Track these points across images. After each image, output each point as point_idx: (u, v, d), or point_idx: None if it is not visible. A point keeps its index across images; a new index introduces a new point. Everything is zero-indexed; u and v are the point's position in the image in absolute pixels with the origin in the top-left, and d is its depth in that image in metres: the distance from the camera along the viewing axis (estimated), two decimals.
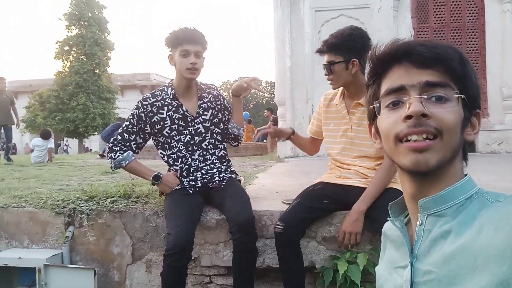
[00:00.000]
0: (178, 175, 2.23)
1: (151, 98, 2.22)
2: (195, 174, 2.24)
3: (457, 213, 0.70)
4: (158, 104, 2.21)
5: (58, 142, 22.45)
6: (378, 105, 0.78)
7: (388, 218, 0.84)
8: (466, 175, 0.75)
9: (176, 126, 2.22)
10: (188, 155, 2.24)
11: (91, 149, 25.34)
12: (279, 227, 1.93)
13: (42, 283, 2.25)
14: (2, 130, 7.55)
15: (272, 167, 4.90)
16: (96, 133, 22.33)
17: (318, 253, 2.14)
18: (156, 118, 2.20)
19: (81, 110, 21.85)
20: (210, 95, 2.32)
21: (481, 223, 0.65)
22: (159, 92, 2.25)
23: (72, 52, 22.93)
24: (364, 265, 1.95)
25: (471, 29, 6.15)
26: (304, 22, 6.28)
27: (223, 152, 2.35)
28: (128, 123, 2.22)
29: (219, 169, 2.29)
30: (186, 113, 2.23)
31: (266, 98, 40.80)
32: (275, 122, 9.78)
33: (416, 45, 0.74)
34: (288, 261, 1.97)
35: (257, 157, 7.09)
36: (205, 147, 2.27)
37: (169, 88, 2.25)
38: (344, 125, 2.11)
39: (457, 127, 0.72)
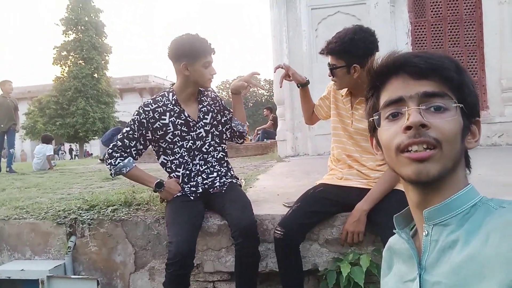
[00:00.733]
0: (180, 181, 2.22)
1: (152, 104, 2.20)
2: (196, 178, 2.23)
3: (463, 221, 0.70)
4: (160, 110, 2.19)
5: (56, 146, 22.47)
6: (377, 117, 0.79)
7: (394, 230, 0.84)
8: (469, 184, 0.75)
9: (179, 132, 2.21)
10: (190, 160, 2.23)
11: (91, 154, 25.37)
12: (279, 232, 1.92)
13: None
14: (6, 137, 7.44)
15: (273, 168, 4.89)
16: (96, 137, 22.39)
17: (321, 256, 2.13)
18: (159, 124, 2.18)
19: (80, 114, 21.90)
20: (209, 98, 2.32)
21: (487, 231, 0.65)
22: (160, 97, 2.23)
23: (70, 57, 23.01)
24: (367, 267, 1.95)
25: (469, 22, 6.12)
26: (301, 20, 6.26)
27: (222, 154, 2.34)
28: (128, 128, 2.19)
29: (219, 173, 2.28)
30: (188, 118, 2.22)
31: (265, 97, 40.78)
32: (275, 121, 9.77)
33: (411, 57, 0.75)
34: (287, 266, 1.97)
35: (258, 157, 7.08)
36: (205, 150, 2.27)
37: (170, 94, 2.23)
38: (346, 118, 2.10)
39: (456, 136, 0.72)
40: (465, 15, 6.12)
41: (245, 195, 2.23)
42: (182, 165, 2.22)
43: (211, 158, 2.28)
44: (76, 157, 25.14)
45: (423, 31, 6.27)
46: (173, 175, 2.25)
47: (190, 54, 2.11)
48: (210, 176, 2.26)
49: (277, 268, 2.08)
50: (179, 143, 2.21)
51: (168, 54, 2.18)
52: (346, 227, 1.99)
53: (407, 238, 0.79)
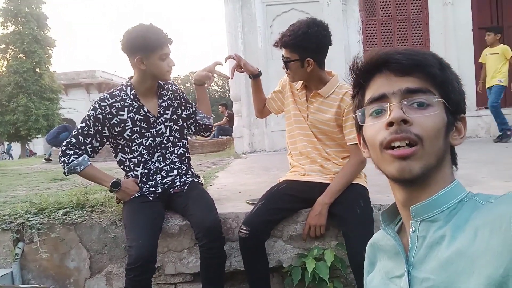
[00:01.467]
0: (138, 181, 2.12)
1: (109, 99, 2.07)
2: (154, 177, 2.13)
3: (450, 217, 0.70)
4: (118, 105, 2.07)
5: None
6: (360, 113, 0.79)
7: (380, 227, 0.84)
8: (455, 180, 0.75)
9: (138, 128, 2.10)
10: (149, 159, 2.13)
11: (35, 153, 24.00)
12: (244, 231, 1.89)
13: None
14: None
15: (231, 164, 4.84)
16: (40, 135, 21.19)
17: (285, 252, 2.12)
18: (116, 120, 2.06)
19: (22, 111, 20.59)
20: (169, 91, 2.22)
21: (476, 226, 0.65)
22: (118, 92, 2.10)
23: (9, 51, 21.57)
24: (331, 261, 1.96)
25: (416, 22, 6.41)
26: (256, 16, 6.26)
27: (182, 150, 2.24)
28: (83, 125, 2.05)
29: (180, 172, 2.20)
30: (148, 114, 2.12)
31: (219, 93, 40.60)
32: (230, 118, 9.72)
33: (394, 54, 0.75)
34: (254, 264, 1.95)
35: (214, 154, 7.01)
36: (163, 146, 2.17)
37: (128, 88, 2.10)
38: (302, 112, 2.09)
39: (439, 132, 0.72)
40: (413, 15, 6.40)
41: (207, 194, 2.16)
42: (141, 164, 2.12)
43: (170, 154, 2.18)
44: (11, 157, 23.66)
45: (373, 30, 6.48)
46: (131, 174, 2.14)
47: (145, 47, 1.99)
48: (170, 174, 2.17)
49: (241, 267, 2.05)
50: (138, 140, 2.10)
51: (122, 48, 2.04)
52: (308, 221, 2.00)
53: (393, 235, 0.79)
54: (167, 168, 2.17)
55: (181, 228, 2.15)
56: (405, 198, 0.76)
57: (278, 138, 6.07)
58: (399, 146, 0.70)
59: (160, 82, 2.19)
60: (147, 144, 2.12)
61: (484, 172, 2.97)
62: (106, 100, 2.06)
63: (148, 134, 2.12)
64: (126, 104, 2.08)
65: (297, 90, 2.12)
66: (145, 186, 2.12)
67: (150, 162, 2.13)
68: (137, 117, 2.09)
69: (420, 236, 0.73)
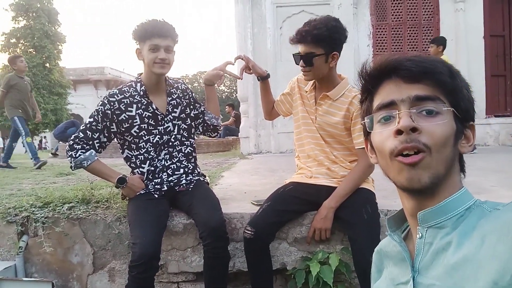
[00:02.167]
0: (144, 178, 2.11)
1: (118, 95, 2.06)
2: (160, 175, 2.12)
3: (457, 224, 0.70)
4: (127, 101, 2.06)
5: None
6: (368, 120, 0.79)
7: (386, 233, 0.83)
8: (463, 187, 0.75)
9: (145, 125, 2.09)
10: (155, 156, 2.12)
11: (45, 147, 24.15)
12: (249, 232, 1.87)
13: None
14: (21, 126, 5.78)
15: (236, 165, 4.83)
16: (47, 130, 21.31)
17: (290, 255, 2.11)
18: (124, 116, 2.05)
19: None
20: (179, 90, 2.21)
21: (483, 233, 0.64)
22: (127, 88, 2.10)
23: (20, 45, 21.73)
24: (336, 266, 1.94)
25: (427, 27, 6.36)
26: (266, 17, 6.24)
27: (190, 149, 2.23)
28: (91, 119, 2.05)
29: (186, 170, 2.19)
30: (156, 111, 2.10)
31: (226, 93, 40.63)
32: (237, 118, 9.71)
33: (404, 60, 0.74)
34: (258, 266, 1.93)
35: (220, 154, 7.01)
36: (171, 144, 2.16)
37: (138, 84, 2.10)
38: (311, 114, 2.07)
39: (447, 140, 0.71)
40: (424, 20, 6.35)
41: (213, 193, 2.15)
42: (148, 161, 2.11)
43: (177, 153, 2.18)
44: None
45: (384, 34, 6.44)
46: (137, 171, 2.13)
47: (139, 36, 2.02)
48: (176, 172, 2.16)
49: (245, 268, 2.04)
50: (145, 137, 2.09)
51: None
52: (314, 224, 1.98)
53: (399, 241, 0.78)
54: (173, 167, 2.16)
55: (186, 227, 2.14)
56: (413, 206, 0.75)
57: (284, 139, 6.05)
58: (407, 154, 0.70)
59: (170, 80, 2.18)
60: (154, 141, 2.11)
61: (493, 180, 2.94)
62: (115, 96, 2.06)
63: (156, 132, 2.11)
64: (135, 101, 2.08)
65: (306, 92, 2.10)
66: (150, 184, 2.11)
67: (156, 160, 2.13)
68: (146, 114, 2.09)
69: (426, 243, 0.73)
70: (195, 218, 1.99)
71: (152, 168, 2.12)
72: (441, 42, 5.60)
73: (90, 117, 2.07)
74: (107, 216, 2.26)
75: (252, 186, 2.99)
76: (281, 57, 6.16)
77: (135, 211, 1.99)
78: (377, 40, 6.44)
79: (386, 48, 6.41)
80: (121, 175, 2.05)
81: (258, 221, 1.90)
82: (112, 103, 2.04)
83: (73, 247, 2.26)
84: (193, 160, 2.25)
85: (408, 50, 6.35)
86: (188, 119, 2.23)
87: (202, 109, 2.29)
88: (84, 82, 27.78)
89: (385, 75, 0.76)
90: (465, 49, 6.15)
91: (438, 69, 0.73)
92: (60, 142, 9.01)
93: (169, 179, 2.14)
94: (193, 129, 2.26)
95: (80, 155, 2.01)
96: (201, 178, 2.25)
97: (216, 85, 2.29)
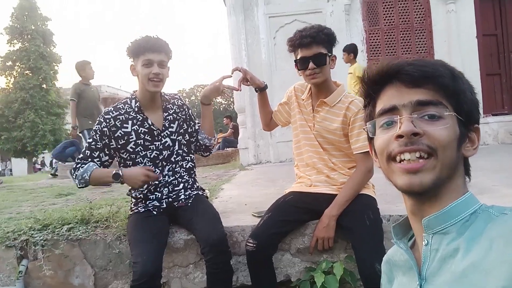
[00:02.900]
0: (145, 191, 2.09)
1: (113, 112, 2.06)
2: (162, 189, 2.11)
3: (463, 229, 0.68)
4: (122, 118, 2.06)
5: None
6: (370, 125, 0.79)
7: (392, 241, 0.82)
8: (468, 191, 0.74)
9: (141, 141, 2.08)
10: (158, 171, 2.10)
11: (40, 168, 24.12)
12: (251, 244, 1.85)
13: None
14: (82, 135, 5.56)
15: (236, 176, 4.80)
16: (46, 151, 21.32)
17: (293, 266, 2.08)
18: (120, 133, 2.05)
19: (29, 127, 20.79)
20: (175, 106, 2.20)
21: (491, 238, 0.63)
22: (122, 105, 2.10)
23: (16, 67, 21.89)
24: (341, 275, 1.91)
25: (419, 30, 6.39)
26: (259, 28, 6.27)
27: (191, 164, 2.23)
28: (91, 140, 2.06)
29: (186, 185, 2.17)
30: (152, 126, 2.09)
31: (223, 105, 40.71)
32: (235, 130, 9.71)
33: (405, 65, 0.74)
34: (261, 279, 1.91)
35: (220, 166, 6.98)
36: (174, 160, 2.14)
37: (133, 100, 2.10)
38: (309, 122, 2.07)
39: (451, 144, 0.71)
40: (416, 23, 6.38)
41: (213, 207, 2.13)
42: None
43: (179, 168, 2.16)
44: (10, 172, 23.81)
45: (377, 39, 6.47)
46: (136, 193, 2.11)
47: (132, 52, 2.04)
48: (175, 188, 2.14)
49: (248, 282, 2.01)
50: (141, 152, 2.08)
51: None
52: (316, 234, 1.96)
53: (406, 248, 0.77)
54: (175, 182, 2.15)
55: (187, 243, 2.11)
56: (415, 208, 0.75)
57: (284, 148, 6.04)
58: (409, 160, 0.70)
59: (166, 95, 2.18)
60: (151, 156, 2.09)
61: (495, 179, 2.92)
62: (110, 113, 2.06)
63: (153, 147, 2.10)
64: (130, 117, 2.07)
65: (303, 100, 2.09)
66: (149, 199, 2.09)
67: (160, 175, 2.10)
68: (141, 130, 2.08)
69: (433, 249, 0.71)
70: (196, 234, 1.96)
71: (156, 182, 2.09)
72: (352, 50, 5.62)
73: (89, 138, 2.08)
74: (107, 235, 2.23)
75: (252, 198, 2.97)
76: (276, 67, 6.18)
77: (134, 230, 1.97)
78: (370, 45, 6.46)
79: (380, 53, 6.43)
80: (114, 171, 1.99)
81: (259, 233, 1.88)
82: (108, 120, 2.04)
83: (74, 269, 2.23)
84: (193, 175, 2.24)
85: (402, 54, 6.36)
86: (187, 134, 2.22)
87: (197, 127, 2.28)
88: None
89: (386, 80, 0.76)
90: (459, 49, 6.17)
91: (439, 72, 0.73)
92: (59, 163, 8.97)
93: (168, 195, 2.12)
94: (192, 144, 2.26)
95: (79, 169, 2.01)
96: (200, 192, 2.23)
97: (219, 97, 2.29)
